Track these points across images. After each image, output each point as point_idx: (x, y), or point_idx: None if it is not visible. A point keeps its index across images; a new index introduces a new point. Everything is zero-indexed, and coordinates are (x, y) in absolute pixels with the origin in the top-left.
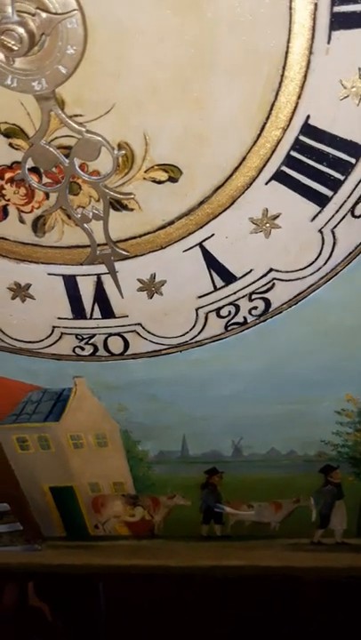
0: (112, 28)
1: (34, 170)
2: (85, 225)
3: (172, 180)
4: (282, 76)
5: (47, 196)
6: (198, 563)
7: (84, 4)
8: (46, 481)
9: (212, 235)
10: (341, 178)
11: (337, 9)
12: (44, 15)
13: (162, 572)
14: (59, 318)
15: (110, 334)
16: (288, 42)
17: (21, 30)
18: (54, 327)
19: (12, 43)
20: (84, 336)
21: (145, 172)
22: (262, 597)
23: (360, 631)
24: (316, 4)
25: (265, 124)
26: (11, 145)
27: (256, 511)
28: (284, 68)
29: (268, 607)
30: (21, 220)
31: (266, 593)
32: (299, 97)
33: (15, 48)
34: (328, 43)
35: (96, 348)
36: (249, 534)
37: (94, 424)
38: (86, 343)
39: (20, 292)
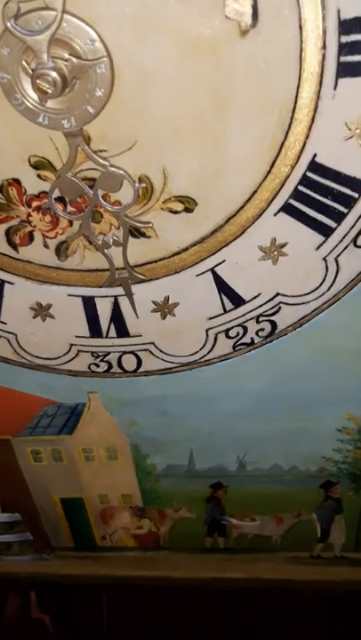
0: (137, 72)
1: (59, 199)
2: (106, 250)
3: (188, 210)
4: (291, 118)
5: (71, 223)
6: (201, 574)
7: (112, 52)
8: (57, 492)
9: (224, 261)
10: (345, 211)
11: (343, 59)
12: (75, 61)
13: (165, 584)
14: (76, 336)
15: (124, 352)
16: (298, 87)
17: (55, 75)
18: (72, 345)
19: (47, 86)
20: (100, 354)
21: (163, 202)
22: (264, 610)
23: None
24: (324, 55)
25: (275, 161)
26: (39, 176)
27: (258, 525)
28: (293, 111)
29: (269, 619)
30: (46, 245)
31: (267, 605)
32: (307, 137)
33: (49, 91)
34: (335, 89)
35: (110, 365)
36: (251, 547)
37: (106, 438)
38: (101, 360)
39: (42, 311)
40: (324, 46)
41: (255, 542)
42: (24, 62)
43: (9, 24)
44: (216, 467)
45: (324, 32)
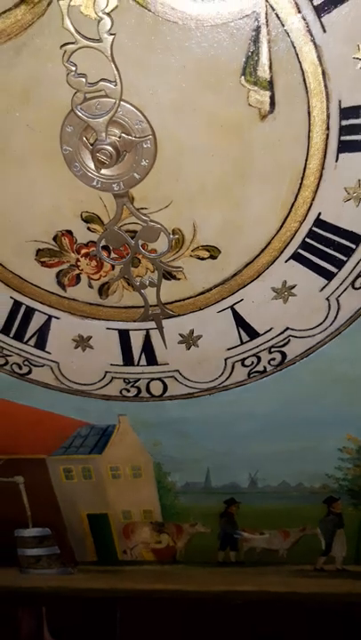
0: (175, 147)
1: (104, 247)
2: (142, 290)
3: (213, 257)
4: (300, 183)
5: (113, 267)
6: (213, 588)
7: (156, 130)
8: (85, 508)
9: (242, 300)
10: (344, 259)
11: (343, 138)
12: (127, 138)
13: (179, 597)
14: (111, 364)
15: (152, 379)
16: (306, 160)
17: (111, 149)
18: (107, 372)
19: (104, 158)
20: (131, 380)
21: (192, 251)
22: (271, 622)
23: None
24: (328, 134)
25: (286, 218)
26: (88, 228)
27: (266, 539)
28: (302, 178)
29: (277, 632)
30: (90, 286)
31: (274, 617)
32: (313, 199)
33: (106, 162)
34: (336, 161)
35: (140, 390)
36: (259, 560)
37: (132, 457)
38: (132, 386)
39: (82, 342)
40: (327, 128)
41: (263, 556)
42: (84, 138)
43: (76, 110)
44: (230, 484)
45: (328, 117)
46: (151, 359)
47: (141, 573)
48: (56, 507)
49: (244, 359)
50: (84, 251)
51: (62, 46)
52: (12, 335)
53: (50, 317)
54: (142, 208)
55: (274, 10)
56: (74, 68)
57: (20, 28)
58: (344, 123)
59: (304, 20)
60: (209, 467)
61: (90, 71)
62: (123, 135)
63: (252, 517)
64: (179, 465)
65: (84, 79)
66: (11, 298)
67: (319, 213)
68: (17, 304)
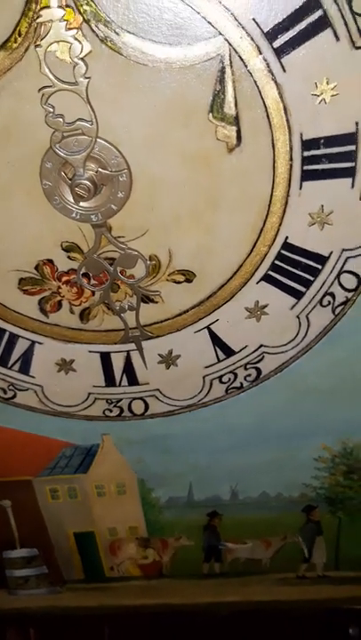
0: (149, 179)
1: (84, 274)
2: (122, 314)
3: (188, 280)
4: (268, 210)
5: (93, 293)
6: (199, 600)
7: (131, 164)
8: (71, 527)
9: (217, 320)
10: (311, 279)
11: (306, 167)
12: (103, 172)
13: (166, 611)
14: (94, 386)
15: (134, 398)
16: (272, 188)
17: (88, 183)
18: (90, 393)
19: (82, 192)
20: (113, 400)
21: (168, 275)
22: (257, 632)
23: None
24: (291, 165)
25: (256, 242)
26: (69, 257)
27: (249, 549)
28: (269, 205)
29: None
30: (71, 311)
31: (260, 626)
32: (280, 224)
33: (84, 196)
34: (300, 189)
35: (122, 410)
36: (243, 571)
37: (116, 474)
38: (114, 406)
39: (65, 366)
40: (291, 159)
41: (247, 566)
42: (63, 173)
43: (55, 148)
44: (212, 497)
45: (291, 149)
46: (132, 379)
47: (129, 589)
48: (43, 527)
49: (221, 376)
50: (64, 278)
51: (40, 90)
52: None
53: (33, 343)
54: (120, 237)
55: (237, 52)
56: (52, 110)
57: None
58: (306, 154)
59: (265, 61)
60: (191, 481)
61: (67, 111)
62: (99, 170)
63: (234, 528)
64: (162, 480)
65: (61, 119)
66: None
67: (286, 237)
68: (1, 331)
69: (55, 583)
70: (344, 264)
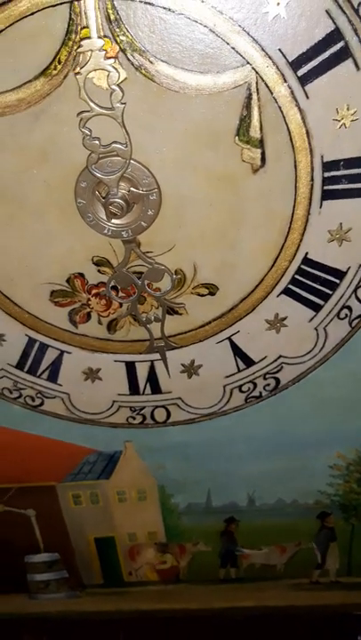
0: (178, 197)
1: (113, 287)
2: (147, 325)
3: (211, 293)
4: (289, 227)
5: (121, 305)
6: (215, 605)
7: (161, 184)
8: (92, 532)
9: (238, 331)
10: (330, 292)
11: (326, 187)
12: (135, 191)
13: (182, 616)
14: (118, 394)
15: (157, 406)
16: (294, 207)
17: (121, 202)
18: (114, 401)
19: (116, 210)
20: (136, 408)
21: (192, 288)
22: (271, 636)
23: None
24: (312, 185)
25: (277, 257)
26: (99, 271)
27: (265, 554)
28: (290, 222)
29: None
30: (99, 322)
31: (274, 632)
32: (300, 241)
33: (117, 214)
34: (320, 207)
35: (145, 418)
36: (258, 576)
37: (137, 481)
38: (137, 414)
39: (92, 374)
40: (312, 179)
41: (262, 571)
42: (97, 192)
43: (91, 169)
44: (229, 503)
45: (312, 170)
46: (155, 388)
47: (146, 594)
48: (65, 532)
49: (241, 385)
50: (94, 291)
51: (79, 114)
52: (26, 370)
53: (62, 352)
54: (148, 252)
55: (263, 80)
56: (89, 133)
57: (39, 97)
58: (326, 174)
59: (290, 88)
60: (209, 487)
61: (103, 134)
62: (131, 189)
63: (250, 534)
64: (181, 487)
65: (98, 142)
66: (26, 335)
67: (306, 253)
68: (31, 341)
69: (75, 588)
70: None
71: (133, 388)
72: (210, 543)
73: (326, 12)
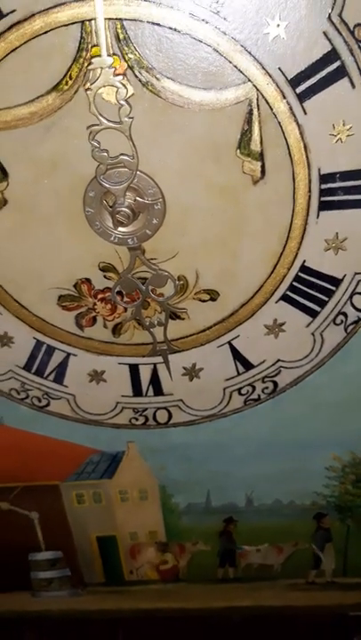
0: (181, 207)
1: (118, 292)
2: (151, 329)
3: (212, 299)
4: (287, 236)
5: (125, 309)
6: (213, 604)
7: (165, 194)
8: (94, 531)
9: (238, 336)
10: (326, 299)
11: (322, 199)
12: (140, 201)
13: (180, 615)
14: (122, 396)
15: (158, 408)
16: (292, 217)
17: (128, 211)
18: (117, 403)
19: (122, 219)
20: (139, 409)
21: (194, 294)
22: (267, 636)
23: None
24: (309, 196)
25: (276, 265)
26: (105, 276)
27: (262, 554)
28: (289, 232)
29: None
30: (105, 326)
31: (271, 631)
32: (298, 249)
33: (124, 222)
34: (317, 218)
35: (147, 419)
36: (256, 576)
37: (139, 481)
38: (140, 415)
39: (97, 377)
40: (309, 190)
41: (259, 571)
42: (104, 201)
43: (99, 179)
44: (228, 504)
45: (310, 182)
46: (158, 390)
47: (146, 593)
48: (68, 530)
49: (240, 388)
50: (100, 296)
51: (89, 127)
52: (33, 371)
53: (68, 355)
54: (152, 259)
55: (264, 97)
56: (98, 145)
57: (50, 111)
58: (323, 186)
59: (289, 104)
60: (209, 488)
61: (110, 146)
62: (137, 199)
63: (248, 534)
64: (182, 487)
65: (106, 154)
66: (34, 338)
67: (304, 261)
68: (39, 343)
69: (76, 586)
70: (356, 286)
71: (136, 390)
72: (209, 543)
73: (324, 33)
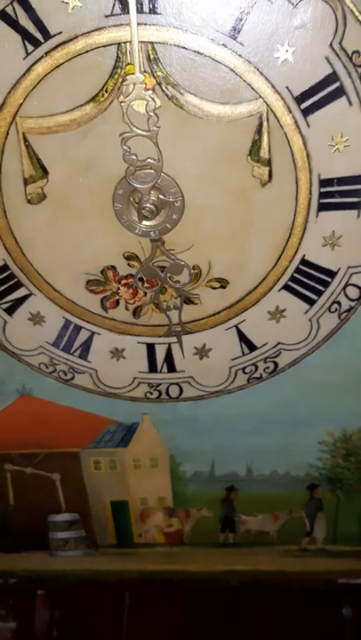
0: (198, 205)
1: (140, 279)
2: (167, 312)
3: (222, 287)
4: (290, 233)
5: (145, 294)
6: (213, 568)
7: (184, 193)
8: (108, 496)
9: (244, 320)
10: (323, 289)
11: (322, 201)
12: (163, 198)
13: (184, 577)
14: (139, 372)
15: (171, 383)
16: (294, 216)
17: (152, 207)
18: (135, 378)
19: (147, 214)
20: (154, 384)
21: (207, 282)
22: (261, 599)
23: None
24: (310, 198)
25: (279, 258)
26: (128, 264)
27: (260, 521)
28: (291, 229)
29: (269, 609)
30: (126, 308)
31: (264, 595)
32: (299, 244)
33: (148, 217)
34: (316, 217)
35: (160, 393)
36: (253, 542)
37: (151, 450)
38: (154, 389)
39: (118, 354)
40: (310, 193)
41: (257, 537)
42: (131, 198)
43: (129, 179)
44: (230, 473)
45: (311, 185)
46: (171, 367)
47: (153, 555)
48: (84, 494)
49: (244, 367)
50: (123, 281)
51: (121, 134)
52: (61, 347)
53: (93, 333)
54: (171, 249)
55: (273, 111)
56: (128, 150)
57: (87, 119)
58: (322, 190)
59: (294, 118)
60: (214, 458)
61: (139, 151)
62: (160, 196)
63: (248, 502)
64: (189, 457)
65: (135, 157)
66: (63, 318)
67: (304, 255)
68: (67, 323)
69: (90, 547)
70: (349, 278)
71: (152, 367)
72: (212, 509)
73: (326, 58)
